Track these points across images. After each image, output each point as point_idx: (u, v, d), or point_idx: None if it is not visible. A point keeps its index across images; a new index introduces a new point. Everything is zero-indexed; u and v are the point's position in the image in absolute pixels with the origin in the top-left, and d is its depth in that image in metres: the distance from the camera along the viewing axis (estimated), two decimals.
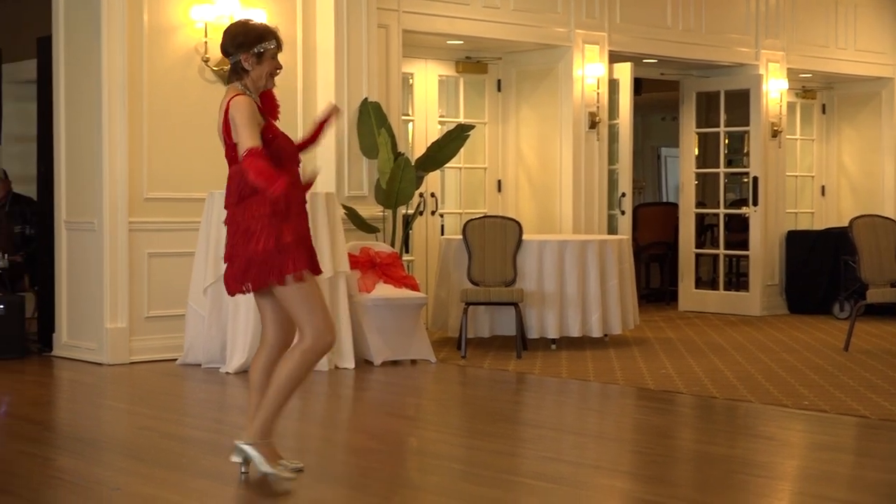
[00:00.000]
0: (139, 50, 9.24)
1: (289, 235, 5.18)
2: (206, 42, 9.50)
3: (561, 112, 11.94)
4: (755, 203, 13.10)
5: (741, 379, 8.45)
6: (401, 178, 9.73)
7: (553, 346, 10.02)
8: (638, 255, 13.50)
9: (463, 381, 8.78)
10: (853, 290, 12.19)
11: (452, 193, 12.36)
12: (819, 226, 14.49)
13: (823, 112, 14.92)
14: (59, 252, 9.55)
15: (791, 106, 14.11)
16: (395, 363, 9.16)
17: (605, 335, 10.32)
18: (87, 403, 8.08)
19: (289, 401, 5.32)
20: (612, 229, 12.32)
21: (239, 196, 5.21)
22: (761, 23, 13.25)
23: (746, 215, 13.46)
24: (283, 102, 9.75)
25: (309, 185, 5.43)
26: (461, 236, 10.02)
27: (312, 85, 10.02)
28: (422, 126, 11.86)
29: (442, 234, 11.88)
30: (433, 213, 11.87)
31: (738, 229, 14.05)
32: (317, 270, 5.35)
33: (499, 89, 12.40)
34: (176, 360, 9.08)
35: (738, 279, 14.17)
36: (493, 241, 9.91)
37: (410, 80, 11.79)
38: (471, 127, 10.50)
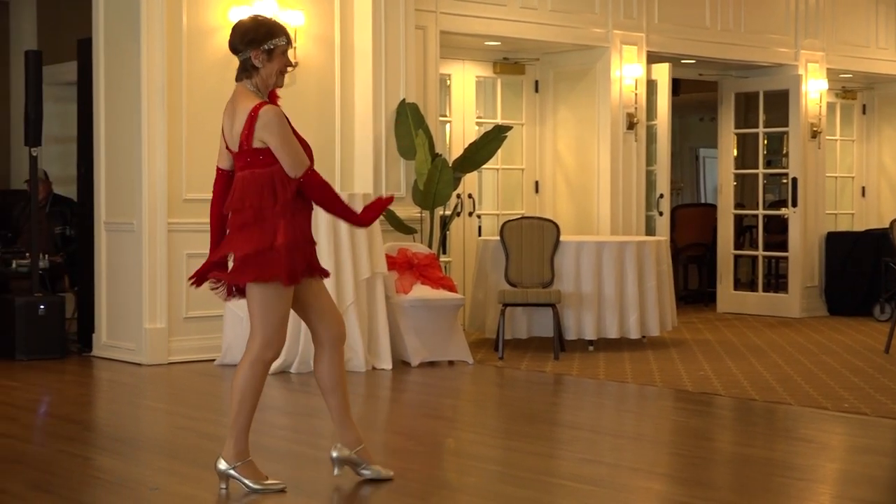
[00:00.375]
0: (178, 52, 9.29)
1: (288, 237, 5.09)
2: None
3: (599, 113, 11.91)
4: (794, 204, 13.02)
5: (780, 381, 8.39)
6: (438, 180, 9.73)
7: (590, 348, 9.99)
8: (676, 256, 13.44)
9: (500, 383, 8.77)
10: (894, 292, 12.09)
11: (490, 194, 12.36)
12: (859, 227, 14.38)
13: (864, 112, 14.82)
14: (99, 253, 9.61)
15: (831, 106, 14.02)
16: (432, 364, 9.16)
17: (643, 337, 10.29)
18: (126, 403, 8.12)
19: (252, 414, 5.19)
20: (650, 230, 12.28)
21: (254, 201, 5.11)
22: (801, 23, 13.17)
23: (785, 216, 13.38)
24: (321, 103, 9.92)
25: (383, 202, 5.42)
26: (498, 237, 10.01)
27: (350, 86, 10.03)
28: (459, 127, 11.86)
29: (479, 235, 11.88)
30: (470, 214, 11.87)
31: (777, 230, 13.96)
32: (311, 272, 5.23)
33: (536, 90, 12.38)
34: (214, 360, 9.12)
35: (777, 281, 14.09)
36: (531, 243, 9.90)
37: (448, 82, 11.80)
38: (508, 128, 10.48)
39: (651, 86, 12.29)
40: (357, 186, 9.91)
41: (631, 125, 11.94)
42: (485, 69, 12.13)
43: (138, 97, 9.18)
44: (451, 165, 10.05)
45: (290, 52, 5.37)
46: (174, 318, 9.24)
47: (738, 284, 13.80)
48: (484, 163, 10.53)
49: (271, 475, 5.24)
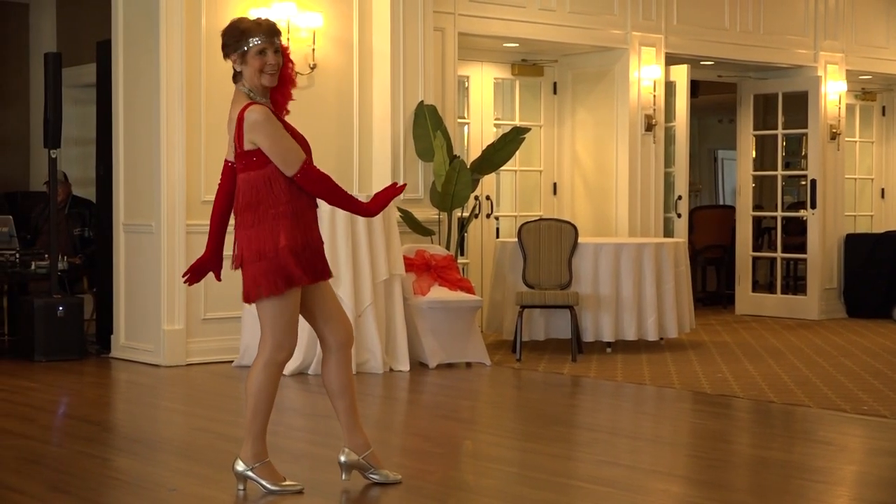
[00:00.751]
0: (197, 53, 9.31)
1: (285, 239, 5.06)
2: None
3: (617, 114, 11.89)
4: (813, 206, 12.98)
5: (799, 383, 8.37)
6: (456, 181, 9.73)
7: (608, 350, 9.98)
8: (694, 258, 13.42)
9: (518, 384, 8.77)
10: None
11: (508, 196, 12.35)
12: (878, 229, 14.32)
13: (883, 114, 14.76)
14: (118, 254, 9.64)
15: (850, 108, 13.97)
16: (449, 366, 9.16)
17: (661, 339, 10.27)
18: (144, 405, 8.15)
19: (269, 415, 5.20)
20: (668, 232, 12.25)
21: (255, 202, 5.10)
22: (820, 24, 13.13)
23: (804, 218, 13.34)
24: (340, 105, 9.93)
25: (395, 189, 5.27)
26: (516, 239, 10.00)
27: (368, 88, 10.04)
28: (477, 129, 11.86)
29: (497, 236, 11.88)
30: (488, 215, 11.86)
31: (796, 232, 13.92)
32: (318, 277, 5.20)
33: (554, 92, 12.37)
34: (232, 361, 9.13)
35: (795, 282, 14.04)
36: (549, 244, 9.89)
37: (466, 83, 11.80)
38: (526, 130, 10.48)
39: (669, 87, 12.27)
40: (375, 188, 9.91)
41: (649, 127, 11.92)
42: (503, 71, 12.12)
43: (157, 99, 9.20)
44: (469, 167, 10.05)
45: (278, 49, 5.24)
46: (192, 320, 9.26)
47: (756, 286, 13.76)
48: (502, 164, 10.53)
49: (288, 476, 5.25)
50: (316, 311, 5.28)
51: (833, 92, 13.14)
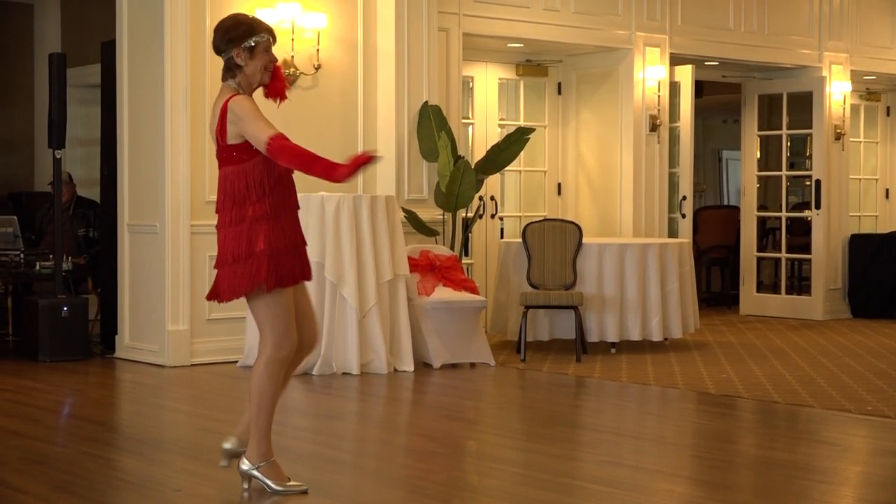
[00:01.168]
0: (202, 54, 9.31)
1: (263, 243, 5.03)
2: None
3: (621, 115, 11.89)
4: (818, 206, 12.98)
5: (803, 384, 8.37)
6: (461, 182, 9.73)
7: (613, 350, 9.97)
8: (699, 258, 13.41)
9: (522, 385, 8.77)
10: None
11: (512, 196, 12.35)
12: (883, 229, 14.31)
13: (888, 114, 14.75)
14: (122, 255, 9.64)
15: (855, 108, 13.96)
16: (454, 366, 9.16)
17: (666, 339, 10.27)
18: (148, 405, 8.15)
19: (272, 414, 5.19)
20: (672, 233, 12.25)
21: (232, 200, 5.06)
22: (824, 24, 13.12)
23: (809, 218, 13.33)
24: (344, 105, 9.94)
25: (363, 159, 5.07)
26: (521, 239, 10.00)
27: (373, 88, 10.05)
28: (482, 129, 11.86)
29: (501, 237, 11.88)
30: (493, 216, 11.87)
31: (801, 233, 13.91)
32: (303, 277, 5.21)
33: (559, 92, 12.37)
34: (237, 362, 9.13)
35: (800, 283, 14.04)
36: (553, 245, 9.89)
37: (470, 84, 11.80)
38: (531, 130, 10.48)
39: (674, 88, 12.27)
40: (379, 188, 9.92)
41: (654, 127, 11.92)
42: (507, 71, 12.13)
43: (162, 99, 9.21)
44: (473, 167, 10.05)
45: (274, 49, 5.26)
46: (197, 320, 9.26)
47: (760, 287, 13.75)
48: (506, 165, 10.53)
49: (293, 477, 5.25)
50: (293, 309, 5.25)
51: (837, 92, 13.13)
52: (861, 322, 12.57)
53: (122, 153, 9.66)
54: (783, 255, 13.60)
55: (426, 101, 10.03)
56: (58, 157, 9.76)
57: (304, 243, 5.27)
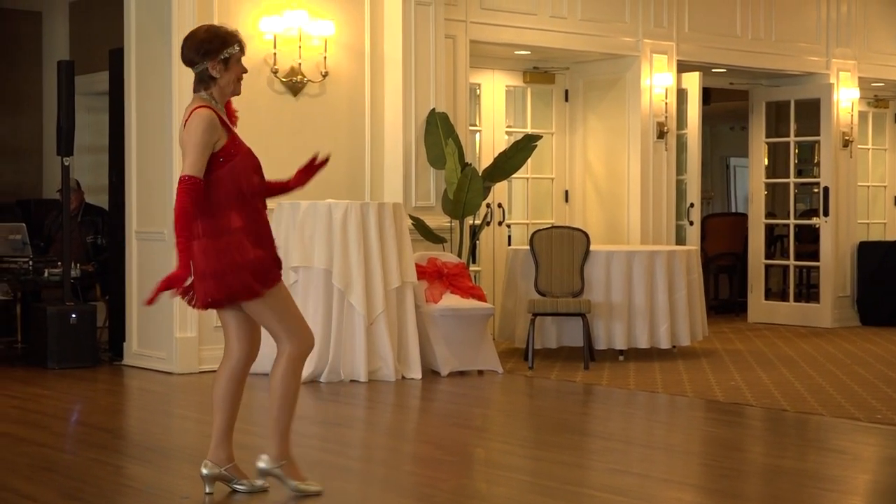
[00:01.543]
0: None
1: (253, 251, 5.03)
2: (274, 53, 9.57)
3: (629, 122, 11.89)
4: (826, 213, 12.96)
5: (812, 391, 8.35)
6: (468, 189, 9.73)
7: (621, 358, 9.96)
8: (707, 265, 13.40)
9: (530, 392, 8.76)
10: None
11: (519, 204, 12.35)
12: (892, 236, 14.29)
13: None
14: (130, 262, 9.65)
15: (863, 115, 13.94)
16: (461, 374, 9.15)
17: (674, 346, 10.25)
18: (156, 412, 8.15)
19: (294, 413, 5.26)
20: (680, 240, 12.24)
21: (202, 210, 5.03)
22: (832, 31, 13.11)
23: (817, 226, 13.32)
24: (351, 112, 9.94)
25: (316, 164, 5.29)
26: (528, 247, 10.00)
27: (380, 95, 10.05)
28: (489, 136, 11.86)
29: (509, 244, 11.87)
30: (500, 223, 11.86)
31: (809, 240, 13.90)
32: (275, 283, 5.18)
33: (566, 99, 12.37)
34: None
35: (808, 290, 14.01)
36: (561, 252, 9.88)
37: (478, 91, 11.80)
38: (538, 137, 10.48)
39: (681, 95, 12.26)
40: (387, 196, 9.92)
41: (661, 134, 11.91)
42: (514, 78, 12.13)
43: (170, 107, 9.22)
44: (480, 175, 10.05)
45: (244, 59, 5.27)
46: (205, 327, 9.26)
47: (769, 294, 13.73)
48: (514, 172, 10.53)
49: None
50: (249, 319, 5.25)
51: (845, 99, 13.11)
52: (870, 330, 12.55)
53: (129, 160, 9.67)
54: (791, 262, 13.58)
55: (433, 109, 10.04)
56: (66, 164, 9.77)
57: (275, 248, 5.26)
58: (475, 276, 10.86)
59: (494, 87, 11.96)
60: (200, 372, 9.13)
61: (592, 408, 8.34)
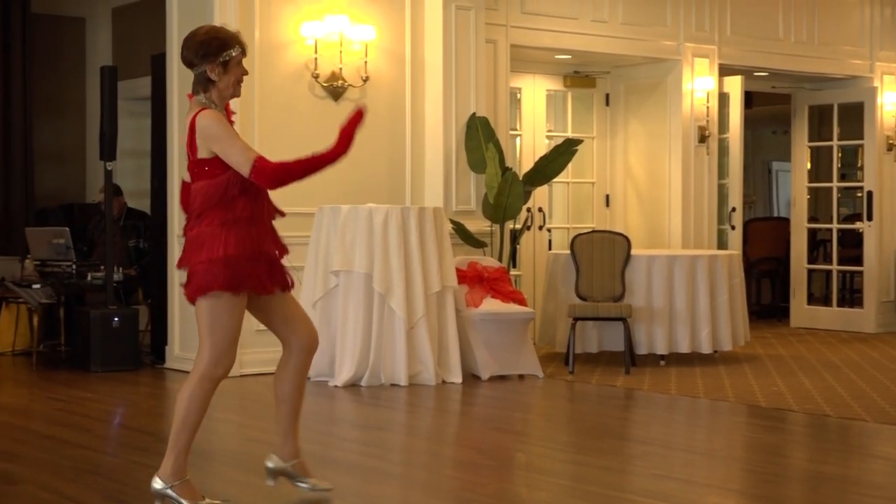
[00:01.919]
0: (250, 66, 9.26)
1: (234, 248, 4.92)
2: (315, 58, 9.60)
3: (670, 126, 11.85)
4: (870, 218, 12.86)
5: (855, 397, 8.28)
6: (508, 193, 9.72)
7: (662, 362, 9.92)
8: (748, 270, 13.31)
9: (570, 397, 8.74)
10: None
11: (560, 208, 12.33)
12: None
13: None
14: (172, 265, 9.70)
15: None
16: (502, 378, 9.14)
17: (715, 351, 10.20)
18: None
19: (195, 431, 5.03)
20: (721, 244, 12.18)
21: (199, 211, 5.00)
22: (875, 34, 13.02)
23: (860, 230, 13.22)
24: (392, 117, 9.95)
25: (353, 119, 5.07)
26: (569, 251, 9.98)
27: (421, 100, 10.07)
28: (529, 141, 11.86)
29: (549, 248, 11.86)
30: (541, 227, 11.85)
31: (852, 244, 13.79)
32: (273, 288, 5.10)
33: (607, 103, 12.34)
34: None
35: (851, 295, 13.91)
36: (602, 256, 9.86)
37: (518, 95, 11.80)
38: (579, 141, 10.46)
39: (723, 99, 12.21)
40: (427, 200, 9.93)
41: (703, 138, 11.86)
42: (555, 82, 12.12)
43: None
44: (521, 179, 10.05)
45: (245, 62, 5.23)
46: (246, 331, 9.12)
47: (811, 299, 13.64)
48: (554, 176, 10.51)
49: (340, 488, 5.25)
50: (278, 317, 5.19)
51: (889, 103, 13.01)
52: None
53: (171, 165, 9.73)
54: (834, 266, 13.47)
55: (474, 113, 10.04)
56: (109, 169, 9.84)
57: (280, 254, 5.13)
58: (515, 281, 10.85)
59: (535, 92, 11.95)
60: (242, 375, 9.16)
61: (633, 412, 8.31)
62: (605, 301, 9.73)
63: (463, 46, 10.06)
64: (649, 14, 11.58)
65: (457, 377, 8.93)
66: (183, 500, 5.00)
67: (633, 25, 11.47)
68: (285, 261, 5.20)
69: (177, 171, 9.68)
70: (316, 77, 9.63)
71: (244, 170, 4.87)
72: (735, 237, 12.30)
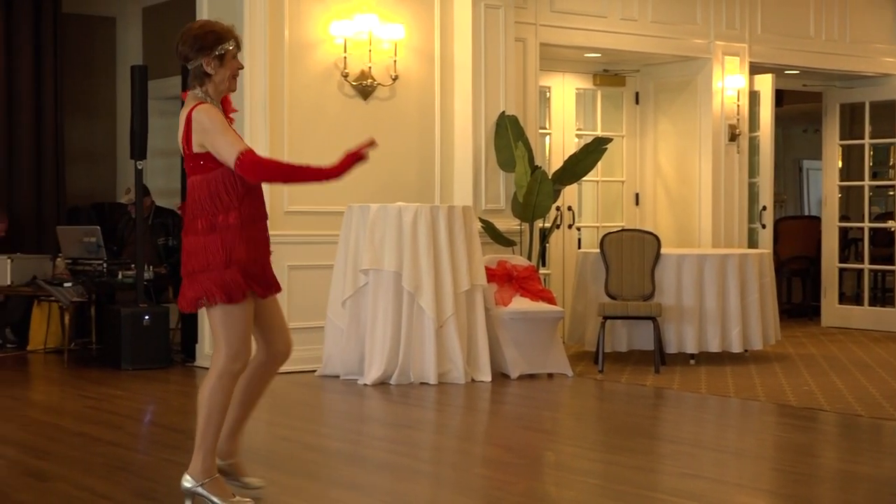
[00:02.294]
0: (280, 65, 9.39)
1: (233, 253, 4.96)
2: (345, 57, 9.61)
3: (700, 124, 11.81)
4: None
5: (887, 397, 8.23)
6: (538, 192, 9.71)
7: (692, 361, 9.89)
8: (779, 269, 13.25)
9: (600, 396, 8.72)
10: None
11: (589, 207, 12.31)
12: None
13: None
14: None
15: None
16: (531, 377, 9.13)
17: (746, 350, 10.16)
18: None
19: (221, 428, 5.08)
20: (752, 243, 12.13)
21: (201, 208, 5.02)
22: None
23: (892, 229, 13.14)
24: (421, 116, 9.95)
25: (359, 152, 4.93)
26: (598, 250, 9.96)
27: (450, 99, 10.07)
28: (559, 139, 11.84)
29: (579, 247, 11.84)
30: (570, 226, 11.83)
31: (884, 243, 13.71)
32: (268, 290, 5.13)
33: (637, 102, 12.31)
34: (315, 371, 9.18)
35: (883, 294, 13.83)
36: (631, 255, 9.83)
37: (548, 94, 11.78)
38: (608, 140, 10.43)
39: (753, 97, 12.16)
40: (457, 199, 9.93)
41: (733, 137, 11.82)
42: (585, 81, 12.09)
43: (241, 111, 9.26)
44: (550, 178, 10.03)
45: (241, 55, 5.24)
46: None
47: (842, 298, 13.57)
48: (584, 175, 10.49)
49: (369, 487, 5.26)
50: (264, 320, 5.19)
51: None
52: None
53: None
54: (866, 265, 13.40)
55: (503, 112, 10.03)
56: (139, 167, 9.88)
57: (269, 255, 5.17)
58: (545, 279, 10.83)
59: (564, 90, 11.93)
60: None
61: (663, 411, 8.29)
62: (634, 300, 9.71)
63: (492, 45, 10.05)
64: (679, 12, 11.54)
65: (486, 376, 8.92)
66: (214, 498, 5.02)
67: (663, 23, 11.44)
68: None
69: None
70: (345, 76, 9.65)
71: (230, 161, 4.89)
72: (766, 236, 12.25)
